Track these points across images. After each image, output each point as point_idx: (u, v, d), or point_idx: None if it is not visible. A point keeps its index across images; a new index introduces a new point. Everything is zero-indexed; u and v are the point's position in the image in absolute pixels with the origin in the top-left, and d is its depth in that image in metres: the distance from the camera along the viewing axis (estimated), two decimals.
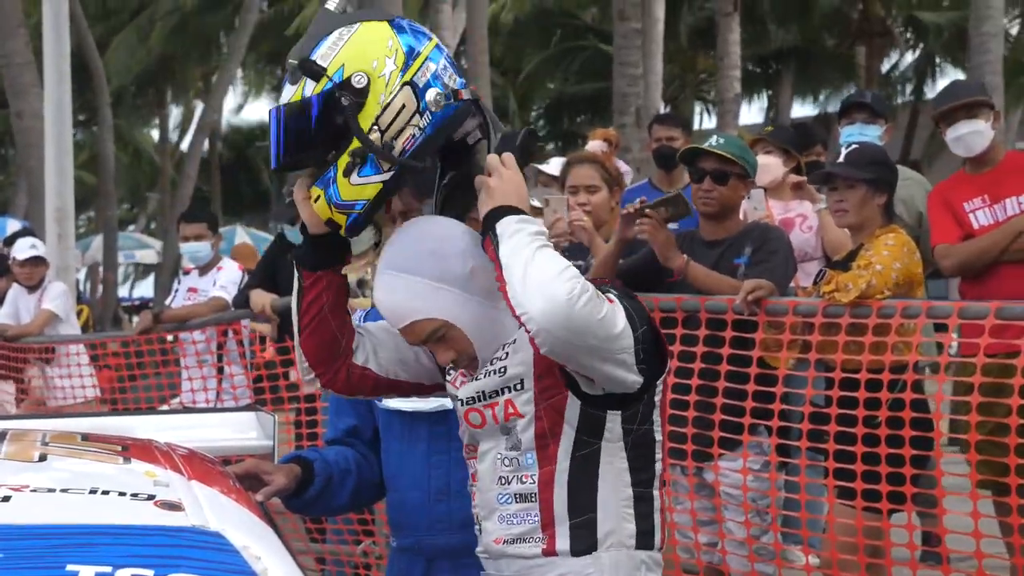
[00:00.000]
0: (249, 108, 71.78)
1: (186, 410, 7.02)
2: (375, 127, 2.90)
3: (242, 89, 43.62)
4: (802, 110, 36.20)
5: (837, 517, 5.34)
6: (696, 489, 5.70)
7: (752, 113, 35.75)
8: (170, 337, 8.90)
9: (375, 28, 2.96)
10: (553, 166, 7.99)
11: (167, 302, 9.12)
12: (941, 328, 5.78)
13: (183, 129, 42.53)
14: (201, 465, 3.14)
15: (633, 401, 3.01)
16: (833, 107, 32.05)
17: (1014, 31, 31.88)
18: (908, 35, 34.22)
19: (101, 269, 27.28)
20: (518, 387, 3.03)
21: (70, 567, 2.20)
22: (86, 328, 12.39)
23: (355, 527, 6.68)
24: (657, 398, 3.06)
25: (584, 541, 3.02)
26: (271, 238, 9.90)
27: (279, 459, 3.66)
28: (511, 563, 3.10)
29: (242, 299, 7.95)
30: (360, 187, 2.93)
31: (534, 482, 3.04)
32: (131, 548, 2.30)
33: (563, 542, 3.03)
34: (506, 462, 3.08)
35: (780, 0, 30.26)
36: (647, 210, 5.61)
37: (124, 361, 9.25)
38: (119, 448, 3.14)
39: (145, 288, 40.41)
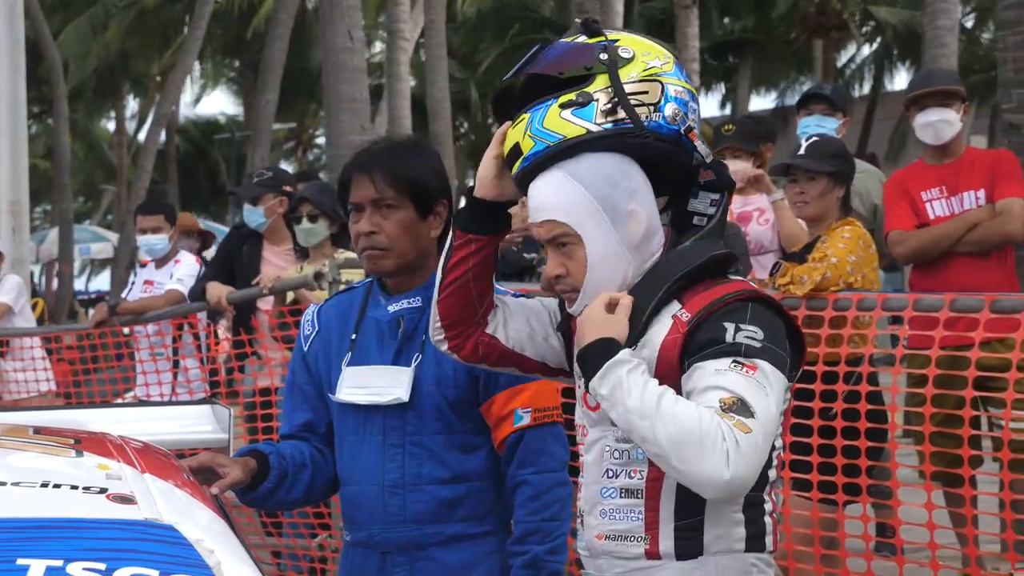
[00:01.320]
0: (206, 101, 71.48)
1: (141, 403, 6.99)
2: (612, 88, 2.93)
3: (199, 82, 43.48)
4: (760, 103, 36.40)
5: (792, 509, 5.36)
6: None
7: (710, 106, 35.90)
8: (126, 330, 8.86)
9: (660, 46, 3.04)
10: None
11: (123, 295, 9.06)
12: (896, 320, 5.81)
13: (140, 122, 42.34)
14: (155, 458, 3.12)
15: None
16: (790, 100, 32.22)
17: (969, 25, 32.09)
18: (864, 29, 34.43)
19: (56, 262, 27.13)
20: None
21: (21, 561, 2.19)
22: (41, 321, 12.34)
23: (311, 521, 6.66)
24: (784, 405, 2.97)
25: (690, 545, 2.93)
26: (228, 231, 9.83)
27: (234, 452, 3.65)
28: (612, 563, 3.00)
29: (198, 292, 7.91)
30: (565, 123, 2.93)
31: (643, 478, 2.95)
32: (83, 542, 2.29)
33: (667, 545, 2.94)
34: (616, 454, 2.99)
35: None
36: None
37: (79, 355, 9.20)
38: (72, 441, 3.12)
39: (101, 281, 40.20)
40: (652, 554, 2.95)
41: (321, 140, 43.95)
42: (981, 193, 6.32)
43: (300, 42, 32.37)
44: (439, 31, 23.79)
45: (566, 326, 3.13)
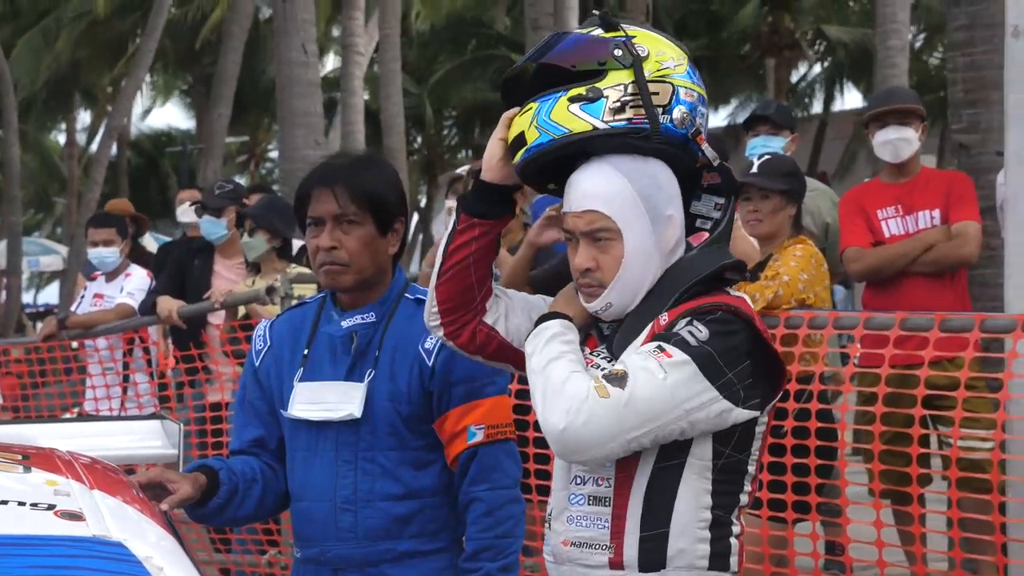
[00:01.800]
0: (158, 113, 71.20)
1: (91, 418, 6.93)
2: (624, 86, 2.92)
3: (151, 95, 43.29)
4: (713, 120, 36.64)
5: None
6: None
7: None
8: (75, 344, 8.79)
9: (676, 46, 3.02)
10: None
11: (73, 308, 9.00)
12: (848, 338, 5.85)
13: (91, 134, 42.10)
14: (104, 474, 3.10)
15: (731, 426, 2.91)
16: (743, 118, 32.38)
17: (918, 45, 32.37)
18: (817, 48, 34.67)
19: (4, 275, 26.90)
20: None
21: None
22: None
23: (260, 537, 6.63)
24: (760, 428, 2.97)
25: (653, 557, 2.92)
26: (168, 240, 9.79)
27: (184, 468, 3.62)
28: (575, 570, 3.00)
29: (149, 305, 7.86)
30: (572, 116, 2.92)
31: (610, 486, 2.95)
32: (30, 559, 2.27)
33: (631, 554, 2.93)
34: None
35: (692, 12, 30.52)
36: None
37: (27, 368, 9.11)
38: (19, 457, 3.09)
39: (50, 294, 39.90)
40: (616, 563, 2.95)
41: (274, 154, 43.80)
42: (936, 213, 6.38)
43: (254, 55, 32.27)
44: (394, 45, 23.77)
45: None
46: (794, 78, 35.58)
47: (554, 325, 2.98)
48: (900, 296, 6.23)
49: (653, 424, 2.82)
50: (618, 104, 2.90)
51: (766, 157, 5.88)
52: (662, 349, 2.84)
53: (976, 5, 7.74)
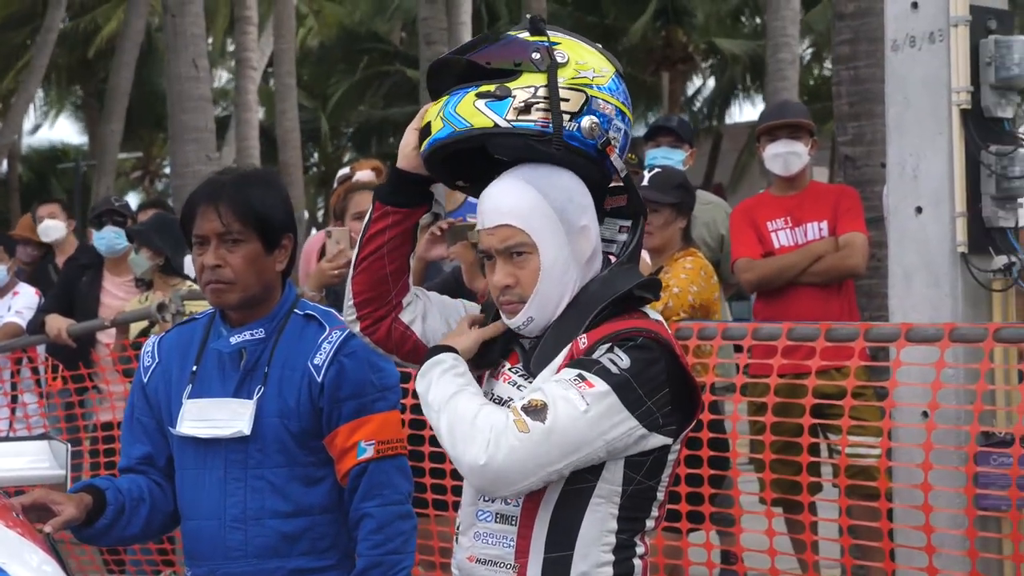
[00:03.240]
0: (50, 128, 70.13)
1: None
2: (534, 88, 2.90)
3: (42, 109, 42.68)
4: None
5: None
6: None
7: None
8: None
9: (605, 59, 3.01)
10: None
11: None
12: (740, 349, 5.91)
13: None
14: None
15: (642, 453, 2.89)
16: (638, 132, 32.60)
17: (807, 59, 32.83)
18: (711, 62, 35.04)
19: None
20: None
21: None
22: None
23: (154, 557, 6.56)
24: (671, 457, 2.95)
25: None
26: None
27: (70, 488, 3.57)
28: None
29: (38, 324, 7.75)
30: (476, 112, 2.90)
31: (518, 505, 2.93)
32: None
33: (535, 574, 2.91)
34: None
35: (587, 25, 30.71)
36: (467, 231, 5.61)
37: None
38: None
39: None
40: None
41: (169, 169, 43.39)
42: (824, 224, 6.48)
43: (146, 69, 31.96)
44: (289, 60, 23.69)
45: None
46: (690, 91, 35.93)
47: (446, 359, 2.95)
48: (790, 306, 6.32)
49: (574, 456, 2.81)
50: (523, 105, 2.89)
51: (656, 171, 5.94)
52: (583, 378, 2.81)
53: (859, 20, 7.88)
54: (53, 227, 9.34)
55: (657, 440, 2.88)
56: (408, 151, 3.03)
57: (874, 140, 7.68)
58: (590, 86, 2.94)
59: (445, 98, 2.96)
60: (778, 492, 5.34)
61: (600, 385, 2.80)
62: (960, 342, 4.77)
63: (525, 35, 2.97)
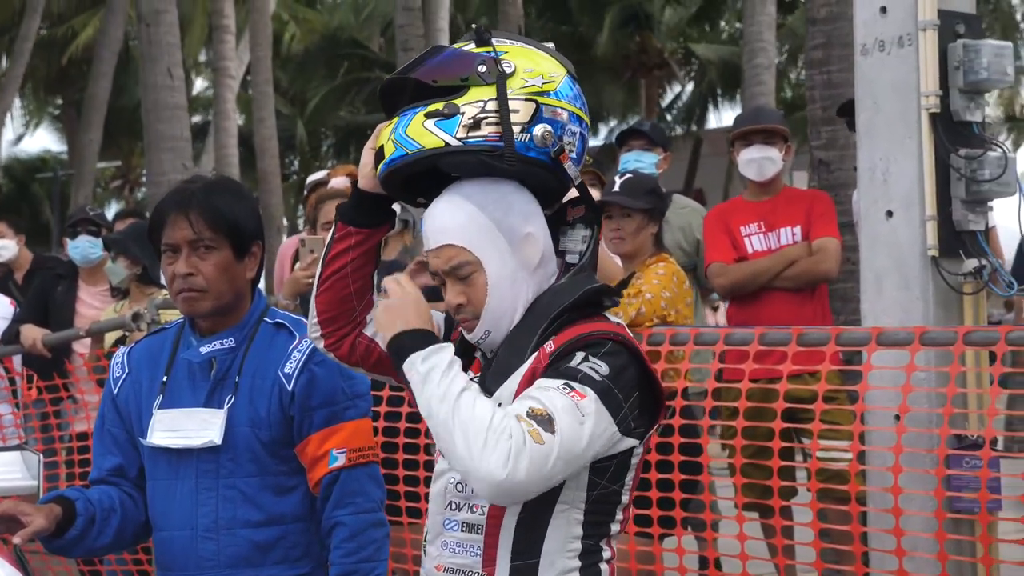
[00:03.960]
0: (30, 138, 69.89)
1: None
2: (483, 103, 2.87)
3: (23, 119, 42.57)
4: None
5: None
6: None
7: None
8: None
9: (555, 62, 2.97)
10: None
11: None
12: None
13: None
14: None
15: (607, 457, 2.89)
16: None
17: (782, 65, 32.88)
18: (687, 68, 35.08)
19: None
20: None
21: None
22: None
23: (130, 568, 6.54)
24: (635, 460, 2.94)
25: None
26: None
27: (41, 499, 3.57)
28: None
29: (12, 334, 7.72)
30: (426, 132, 2.87)
31: (483, 514, 2.92)
32: None
33: None
34: (459, 487, 2.95)
35: (561, 34, 30.72)
36: None
37: None
38: None
39: None
40: None
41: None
42: (797, 230, 6.51)
43: (124, 78, 31.89)
44: (266, 68, 23.67)
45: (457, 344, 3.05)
46: (669, 96, 35.96)
47: (444, 356, 2.84)
48: (763, 311, 6.34)
49: (574, 465, 2.80)
50: (472, 121, 2.86)
51: (628, 176, 5.94)
52: (571, 387, 2.79)
53: (832, 24, 7.91)
54: (3, 246, 9.28)
55: (626, 443, 2.88)
56: (366, 171, 3.01)
57: (847, 144, 7.71)
58: (540, 93, 2.90)
59: (396, 119, 2.93)
60: (751, 497, 5.35)
61: (590, 394, 2.80)
62: (931, 345, 4.78)
63: (471, 46, 2.94)
